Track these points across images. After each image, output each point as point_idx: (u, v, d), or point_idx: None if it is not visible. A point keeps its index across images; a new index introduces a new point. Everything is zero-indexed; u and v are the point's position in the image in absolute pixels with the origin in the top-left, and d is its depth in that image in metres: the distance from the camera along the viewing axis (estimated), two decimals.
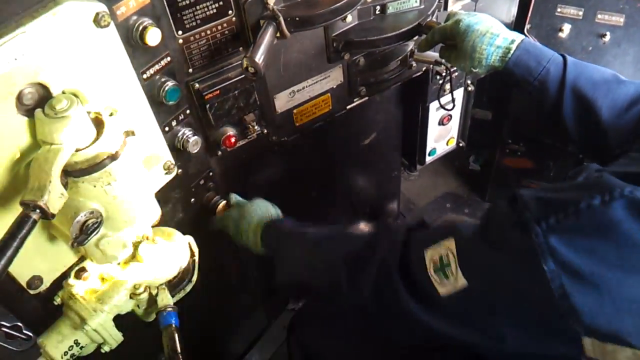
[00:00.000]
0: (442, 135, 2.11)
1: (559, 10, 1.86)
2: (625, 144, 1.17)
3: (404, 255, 1.08)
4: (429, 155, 2.15)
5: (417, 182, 2.68)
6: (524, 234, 0.85)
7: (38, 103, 0.93)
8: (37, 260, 1.08)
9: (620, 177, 0.84)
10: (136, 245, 1.17)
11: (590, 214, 0.81)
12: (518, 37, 1.29)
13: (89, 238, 0.99)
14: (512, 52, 1.26)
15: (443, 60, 1.56)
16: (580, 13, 1.85)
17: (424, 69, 1.74)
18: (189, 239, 1.30)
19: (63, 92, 0.95)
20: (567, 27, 1.85)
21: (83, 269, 1.17)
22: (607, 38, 1.82)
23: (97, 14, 0.95)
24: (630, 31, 1.81)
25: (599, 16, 1.83)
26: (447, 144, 2.17)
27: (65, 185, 0.93)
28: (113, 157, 0.99)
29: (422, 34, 1.47)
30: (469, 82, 1.95)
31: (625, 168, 0.91)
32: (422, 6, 1.47)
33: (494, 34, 1.28)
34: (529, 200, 0.87)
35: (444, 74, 1.76)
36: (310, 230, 1.37)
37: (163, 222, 1.23)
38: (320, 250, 1.31)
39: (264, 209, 1.45)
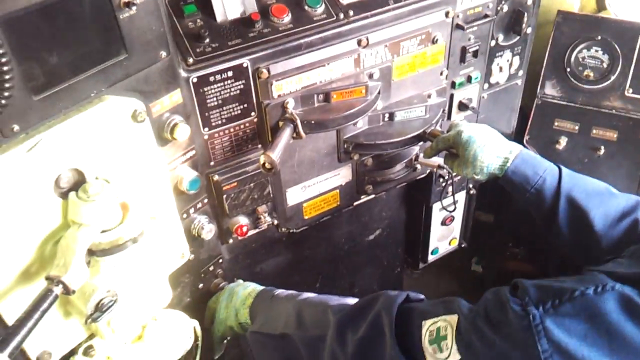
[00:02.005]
0: (444, 235, 2.18)
1: (556, 124, 1.99)
2: (616, 251, 1.24)
3: (401, 320, 1.13)
4: (432, 254, 2.21)
5: (419, 281, 2.70)
6: (522, 316, 0.92)
7: (73, 186, 1.02)
8: (50, 335, 1.11)
9: (609, 274, 0.93)
10: (143, 326, 1.21)
11: (583, 301, 0.89)
12: (516, 147, 1.38)
13: (103, 315, 1.04)
14: (510, 161, 1.36)
15: (446, 165, 1.66)
16: (577, 127, 1.97)
17: (427, 171, 1.83)
18: (195, 323, 1.34)
19: (96, 178, 1.04)
20: (563, 140, 1.96)
21: (91, 347, 1.20)
22: (602, 152, 1.92)
23: (135, 110, 1.06)
24: (623, 146, 1.91)
25: (594, 131, 1.95)
26: (449, 244, 2.23)
27: (87, 264, 1.00)
28: (134, 241, 1.07)
29: (426, 140, 1.58)
30: (470, 185, 2.04)
31: (614, 269, 0.98)
32: (427, 116, 1.60)
33: (494, 145, 1.38)
34: (529, 286, 0.96)
35: (446, 177, 1.85)
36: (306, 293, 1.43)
37: (171, 305, 1.28)
38: (313, 302, 1.37)
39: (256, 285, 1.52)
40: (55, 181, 0.99)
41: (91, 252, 1.03)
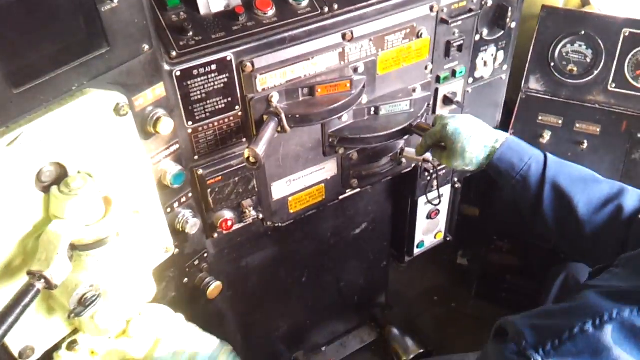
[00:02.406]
0: (430, 228, 2.19)
1: (540, 118, 2.00)
2: (600, 240, 1.26)
3: None
4: (418, 247, 2.22)
5: (405, 274, 2.71)
6: None
7: (55, 181, 1.01)
8: (32, 330, 1.11)
9: (604, 293, 0.90)
10: (128, 321, 1.21)
11: (584, 338, 0.85)
12: (502, 135, 1.40)
13: (86, 310, 1.04)
14: (497, 149, 1.37)
15: (431, 159, 1.67)
16: (560, 121, 1.99)
17: (413, 165, 1.84)
18: (180, 317, 1.34)
19: (79, 172, 1.03)
20: (547, 134, 1.98)
21: (75, 342, 1.20)
22: (585, 145, 1.94)
23: (118, 104, 1.05)
24: (606, 140, 1.94)
25: (577, 125, 1.97)
26: (435, 237, 2.25)
27: (70, 258, 0.99)
28: (117, 235, 1.06)
29: (412, 133, 1.58)
30: (455, 179, 2.06)
31: (608, 283, 0.97)
32: (412, 110, 1.60)
33: (481, 135, 1.39)
34: (523, 329, 0.90)
35: (431, 171, 1.86)
36: None
37: (156, 299, 1.27)
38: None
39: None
40: (36, 175, 0.98)
41: (73, 247, 1.02)
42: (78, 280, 1.04)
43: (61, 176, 1.02)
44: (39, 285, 0.94)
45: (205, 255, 1.54)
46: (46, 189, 1.01)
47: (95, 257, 1.05)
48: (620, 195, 1.28)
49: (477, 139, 1.39)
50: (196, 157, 1.37)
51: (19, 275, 1.02)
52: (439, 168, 1.82)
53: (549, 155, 1.37)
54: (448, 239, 2.28)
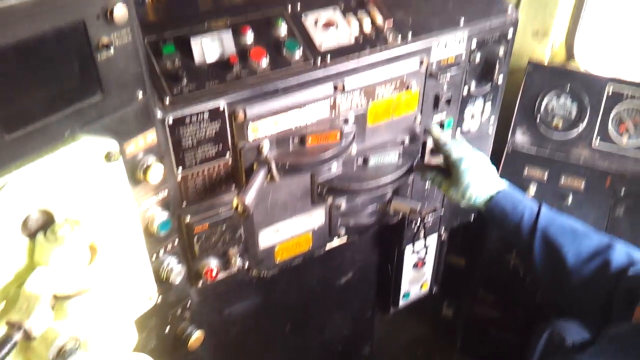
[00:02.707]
0: (416, 278, 2.17)
1: (526, 171, 2.03)
2: (587, 291, 1.27)
3: None
4: (403, 298, 2.20)
5: (390, 325, 2.68)
6: None
7: (41, 227, 0.99)
8: None
9: None
10: None
11: None
12: (502, 184, 1.49)
13: None
14: (494, 195, 1.45)
15: (418, 209, 1.68)
16: (545, 175, 2.01)
17: (400, 215, 1.84)
18: None
19: (66, 219, 1.01)
20: (533, 187, 2.00)
21: None
22: (570, 200, 1.96)
23: (109, 151, 1.04)
24: (590, 196, 1.96)
25: (563, 180, 2.00)
26: (421, 288, 2.23)
27: (52, 307, 0.96)
28: (101, 284, 1.03)
29: (423, 170, 1.65)
30: (442, 229, 2.06)
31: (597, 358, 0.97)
32: (401, 161, 1.62)
33: (485, 180, 1.48)
34: None
35: (418, 220, 1.86)
36: None
37: (136, 348, 1.23)
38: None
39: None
40: (23, 222, 0.96)
41: (56, 296, 0.99)
42: (57, 332, 1.00)
43: (48, 222, 0.99)
44: (17, 336, 0.90)
45: (189, 304, 1.51)
46: (32, 235, 0.98)
47: (78, 307, 1.02)
48: (609, 249, 1.32)
49: (482, 183, 1.47)
50: (184, 204, 1.35)
51: None
52: (425, 219, 1.82)
53: (544, 206, 1.43)
54: (434, 290, 2.26)
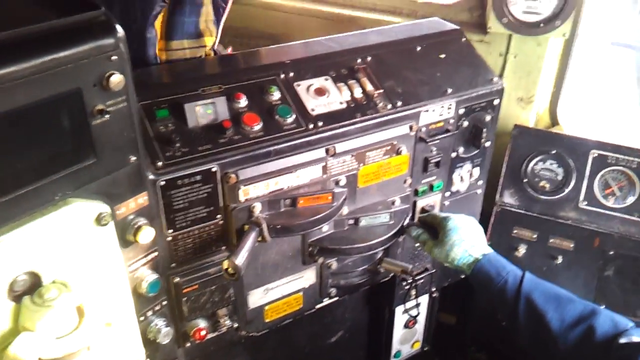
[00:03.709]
0: (407, 338, 2.15)
1: (515, 231, 2.05)
2: (575, 355, 1.28)
3: None
4: (394, 357, 2.17)
5: None
6: None
7: (27, 290, 0.99)
8: None
9: None
10: None
11: None
12: (487, 250, 1.49)
13: None
14: (478, 261, 1.45)
15: (409, 269, 1.68)
16: (535, 236, 2.03)
17: (391, 275, 1.84)
18: None
19: (53, 282, 1.01)
20: (522, 248, 2.02)
21: None
22: (560, 260, 1.98)
23: (100, 214, 1.05)
24: (579, 256, 1.97)
25: (551, 240, 2.01)
26: (412, 347, 2.20)
27: None
28: (89, 348, 1.03)
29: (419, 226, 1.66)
30: (433, 289, 2.05)
31: None
32: (392, 222, 1.63)
33: (470, 243, 1.48)
34: None
35: (409, 280, 1.86)
36: None
37: None
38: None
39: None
40: (9, 284, 0.96)
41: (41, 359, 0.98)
42: None
43: (35, 285, 1.00)
44: None
45: None
46: (17, 299, 0.98)
47: None
48: (593, 316, 1.32)
49: (466, 245, 1.48)
50: (173, 265, 1.35)
51: None
52: (416, 278, 1.82)
53: (527, 273, 1.42)
54: (425, 349, 2.24)
